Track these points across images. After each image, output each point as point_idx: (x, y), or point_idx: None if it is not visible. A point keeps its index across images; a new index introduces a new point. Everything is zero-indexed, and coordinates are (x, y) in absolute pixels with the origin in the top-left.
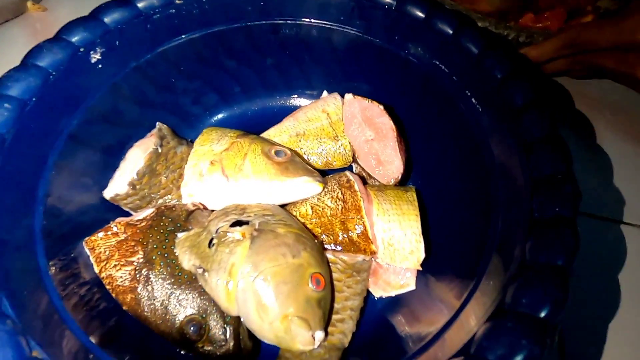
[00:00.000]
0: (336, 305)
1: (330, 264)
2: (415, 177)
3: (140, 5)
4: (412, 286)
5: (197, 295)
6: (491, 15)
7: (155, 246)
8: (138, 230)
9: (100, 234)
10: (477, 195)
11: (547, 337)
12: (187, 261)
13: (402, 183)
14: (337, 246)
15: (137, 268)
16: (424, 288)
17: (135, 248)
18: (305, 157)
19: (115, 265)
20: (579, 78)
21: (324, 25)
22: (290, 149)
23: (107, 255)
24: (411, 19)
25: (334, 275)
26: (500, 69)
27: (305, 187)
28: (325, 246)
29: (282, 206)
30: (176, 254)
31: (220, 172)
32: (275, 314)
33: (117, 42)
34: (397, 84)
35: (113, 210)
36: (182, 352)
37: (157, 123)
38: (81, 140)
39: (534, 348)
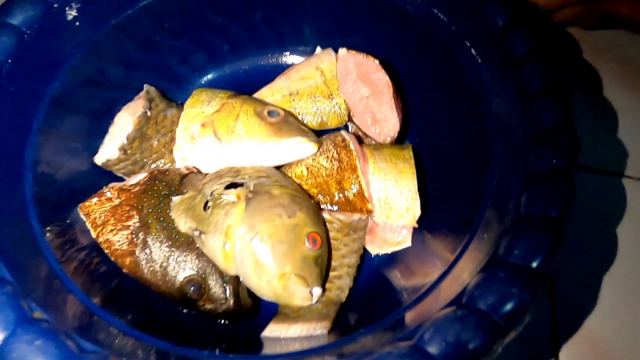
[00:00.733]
0: (333, 263)
1: (327, 224)
2: (413, 135)
3: None
4: (408, 243)
5: (195, 256)
6: None
7: (150, 210)
8: (132, 195)
9: (94, 200)
10: (475, 151)
11: (538, 285)
12: (184, 224)
13: (399, 141)
14: (334, 206)
15: (133, 232)
16: (419, 244)
17: (130, 213)
18: (300, 117)
19: (111, 230)
20: (590, 28)
21: None
22: (283, 109)
23: (102, 220)
24: None
25: (331, 234)
26: (502, 14)
27: (299, 148)
28: (322, 206)
29: (277, 168)
30: (172, 217)
31: (212, 135)
32: (272, 272)
33: None
34: (394, 37)
35: (106, 175)
36: (184, 310)
37: (145, 85)
38: (65, 104)
39: (524, 296)
